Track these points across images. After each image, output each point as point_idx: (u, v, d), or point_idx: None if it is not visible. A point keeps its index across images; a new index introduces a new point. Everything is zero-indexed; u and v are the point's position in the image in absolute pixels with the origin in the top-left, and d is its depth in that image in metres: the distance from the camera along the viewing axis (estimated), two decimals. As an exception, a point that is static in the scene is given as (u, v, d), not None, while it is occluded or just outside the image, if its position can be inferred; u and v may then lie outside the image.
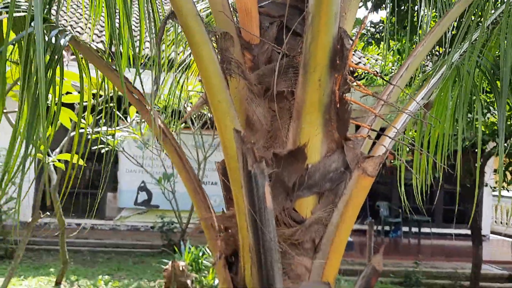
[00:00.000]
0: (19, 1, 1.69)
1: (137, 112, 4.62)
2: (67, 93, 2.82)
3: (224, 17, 1.63)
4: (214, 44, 1.54)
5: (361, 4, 5.97)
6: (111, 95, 2.15)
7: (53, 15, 1.87)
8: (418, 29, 2.92)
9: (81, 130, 2.38)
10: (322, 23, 1.39)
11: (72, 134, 4.55)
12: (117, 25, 1.89)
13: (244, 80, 1.58)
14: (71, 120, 2.83)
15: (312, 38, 1.42)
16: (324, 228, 1.57)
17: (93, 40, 8.23)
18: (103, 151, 5.07)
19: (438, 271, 7.77)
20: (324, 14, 1.38)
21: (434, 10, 2.78)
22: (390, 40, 5.95)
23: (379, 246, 7.82)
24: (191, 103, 5.63)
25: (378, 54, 8.08)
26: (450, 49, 2.35)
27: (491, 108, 5.55)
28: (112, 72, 1.85)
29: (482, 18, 2.27)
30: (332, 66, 1.46)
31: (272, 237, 1.43)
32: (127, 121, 5.21)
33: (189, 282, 5.48)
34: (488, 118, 5.87)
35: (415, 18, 4.75)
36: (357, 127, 1.83)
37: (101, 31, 9.25)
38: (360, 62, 9.92)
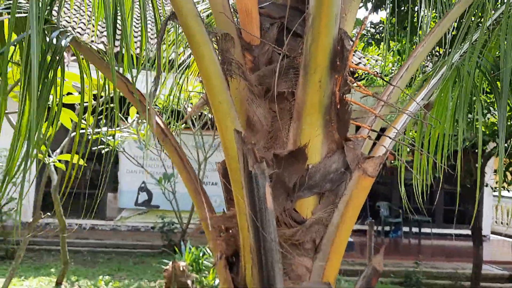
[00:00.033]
0: (20, 2, 1.70)
1: (137, 113, 4.62)
2: (68, 93, 2.83)
3: (224, 18, 1.64)
4: (215, 45, 1.54)
5: (361, 4, 5.97)
6: (111, 95, 2.15)
7: (54, 16, 1.88)
8: (418, 29, 2.92)
9: (81, 131, 2.38)
10: (323, 25, 1.40)
11: (72, 134, 4.55)
12: (117, 25, 1.89)
13: (244, 81, 1.59)
14: (71, 120, 2.84)
15: (313, 39, 1.42)
16: (325, 229, 1.58)
17: (92, 41, 8.23)
18: (103, 151, 5.07)
19: (438, 271, 7.77)
20: (325, 15, 1.38)
21: (434, 11, 2.78)
22: (390, 41, 5.96)
23: (379, 246, 7.82)
24: (192, 103, 5.64)
25: (378, 55, 8.08)
26: (450, 50, 2.35)
27: (491, 108, 5.55)
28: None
29: (482, 19, 2.28)
30: (333, 67, 1.47)
31: (273, 237, 1.43)
32: (127, 121, 5.21)
33: (189, 282, 5.48)
34: (488, 118, 5.87)
35: (415, 18, 4.75)
36: (358, 128, 1.83)
37: (102, 32, 9.25)
38: (360, 63, 9.92)
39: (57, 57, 1.60)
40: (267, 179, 1.43)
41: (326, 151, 1.59)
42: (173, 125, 3.97)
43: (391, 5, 4.24)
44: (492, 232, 11.84)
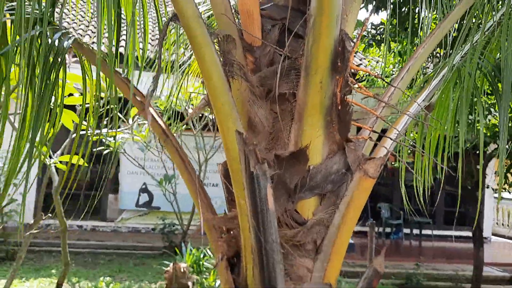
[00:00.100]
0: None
1: (137, 113, 4.62)
2: (70, 95, 2.83)
3: (226, 20, 1.64)
4: (216, 47, 1.55)
5: (362, 5, 5.98)
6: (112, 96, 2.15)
7: (56, 15, 1.88)
8: (419, 31, 2.92)
9: (82, 132, 2.38)
10: (324, 26, 1.40)
11: (73, 136, 4.56)
12: (116, 26, 1.90)
13: (246, 82, 1.59)
14: (73, 121, 2.84)
15: (314, 40, 1.43)
16: (326, 230, 1.58)
17: (94, 43, 8.24)
18: (104, 153, 5.08)
19: (439, 273, 7.77)
20: (326, 16, 1.39)
21: (435, 12, 2.78)
22: (391, 42, 5.96)
23: (380, 248, 7.81)
24: (193, 104, 5.64)
25: (379, 56, 8.08)
26: (451, 51, 2.35)
27: (492, 110, 5.55)
28: (115, 74, 1.86)
29: (483, 20, 2.28)
30: (334, 68, 1.47)
31: (274, 238, 1.43)
32: (128, 123, 5.22)
33: (190, 284, 5.48)
34: (489, 120, 5.87)
35: (416, 20, 4.75)
36: (359, 129, 1.83)
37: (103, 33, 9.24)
38: (361, 64, 9.93)
39: (59, 59, 1.61)
40: (269, 180, 1.43)
41: (327, 152, 1.59)
42: (174, 126, 3.97)
43: (392, 6, 4.24)
44: (494, 234, 11.83)
